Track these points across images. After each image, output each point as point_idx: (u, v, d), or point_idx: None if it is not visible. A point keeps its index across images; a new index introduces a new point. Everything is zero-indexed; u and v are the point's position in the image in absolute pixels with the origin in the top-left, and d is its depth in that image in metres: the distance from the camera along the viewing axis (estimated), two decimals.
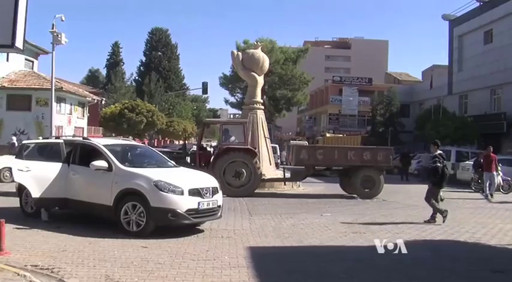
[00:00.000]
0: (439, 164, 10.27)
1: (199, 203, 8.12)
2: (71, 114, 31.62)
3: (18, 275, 5.17)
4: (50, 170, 9.07)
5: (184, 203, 7.95)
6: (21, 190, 9.64)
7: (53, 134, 23.00)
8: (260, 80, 19.05)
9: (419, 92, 49.02)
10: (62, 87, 28.02)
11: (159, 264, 6.01)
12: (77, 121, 32.61)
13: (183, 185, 8.10)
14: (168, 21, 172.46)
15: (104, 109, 40.81)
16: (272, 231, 8.94)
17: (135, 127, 38.05)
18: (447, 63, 41.67)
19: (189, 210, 7.97)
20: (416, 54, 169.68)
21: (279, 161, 28.95)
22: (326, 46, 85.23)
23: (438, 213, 10.33)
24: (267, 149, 18.47)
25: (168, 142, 53.05)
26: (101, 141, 9.54)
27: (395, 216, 11.19)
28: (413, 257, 6.94)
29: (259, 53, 19.11)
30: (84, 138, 10.62)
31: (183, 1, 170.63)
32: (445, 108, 36.82)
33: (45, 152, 9.68)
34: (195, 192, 8.16)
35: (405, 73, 71.00)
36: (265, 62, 19.13)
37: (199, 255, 6.58)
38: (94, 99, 35.34)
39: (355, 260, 6.87)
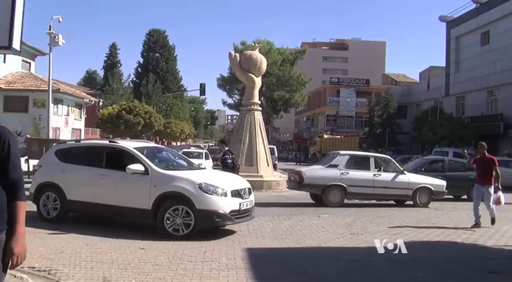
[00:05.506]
0: (229, 161, 12.08)
1: (240, 204, 8.25)
2: (68, 115, 31.58)
3: (15, 276, 5.15)
4: (80, 173, 9.01)
5: (228, 204, 8.05)
6: (40, 193, 9.26)
7: (50, 135, 22.99)
8: (258, 81, 19.07)
9: (417, 93, 49.20)
10: (59, 89, 28.00)
11: (157, 266, 5.99)
12: (74, 122, 32.58)
13: (226, 186, 8.20)
14: (166, 22, 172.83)
15: (101, 110, 40.76)
16: (270, 232, 8.93)
17: (132, 128, 38.04)
18: (444, 65, 41.84)
19: (232, 211, 8.08)
20: (413, 55, 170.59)
21: (276, 162, 29.07)
22: (323, 47, 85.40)
23: None
24: (265, 150, 18.48)
25: (165, 143, 53.06)
26: (130, 144, 9.36)
27: (393, 218, 11.20)
28: (411, 258, 6.94)
29: (256, 54, 19.13)
30: (110, 141, 10.26)
31: (180, 2, 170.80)
32: (442, 110, 36.93)
33: (74, 155, 9.55)
34: (236, 194, 8.29)
35: (402, 74, 71.21)
36: (263, 63, 19.14)
37: (196, 257, 6.56)
38: (91, 101, 35.30)
39: (353, 261, 6.86)
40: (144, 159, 8.52)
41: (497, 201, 10.02)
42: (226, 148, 12.92)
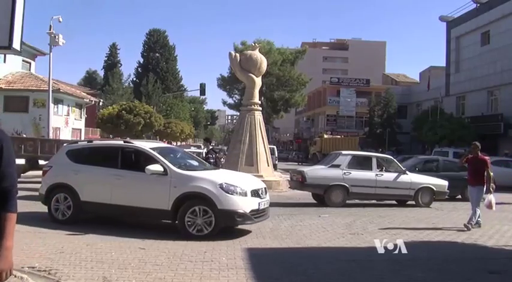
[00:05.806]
0: (211, 160, 12.18)
1: (259, 203, 8.35)
2: (68, 115, 31.58)
3: (15, 276, 5.15)
4: (94, 174, 8.94)
5: (248, 204, 8.13)
6: (51, 195, 9.15)
7: (50, 135, 22.95)
8: (258, 81, 19.04)
9: (417, 93, 49.20)
10: (59, 89, 27.99)
11: (157, 266, 5.99)
12: (74, 122, 32.57)
13: (245, 186, 8.28)
14: (166, 22, 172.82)
15: (101, 110, 40.74)
16: (270, 232, 8.93)
17: (132, 128, 38.02)
18: (444, 65, 41.82)
19: (252, 210, 8.17)
20: (413, 55, 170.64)
21: (276, 162, 29.07)
22: (324, 47, 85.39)
23: None
24: (265, 150, 18.46)
25: (166, 143, 53.00)
26: (145, 145, 9.30)
27: (393, 218, 11.20)
28: (411, 258, 6.94)
29: (256, 54, 19.09)
30: (125, 141, 10.07)
31: (180, 2, 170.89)
32: (442, 110, 36.93)
33: (87, 156, 9.46)
34: (255, 193, 8.39)
35: (403, 74, 71.22)
36: (263, 63, 19.10)
37: (196, 257, 6.56)
38: (91, 101, 35.29)
39: (353, 261, 6.86)
40: (162, 159, 8.50)
41: (489, 206, 9.79)
42: (211, 147, 12.96)
